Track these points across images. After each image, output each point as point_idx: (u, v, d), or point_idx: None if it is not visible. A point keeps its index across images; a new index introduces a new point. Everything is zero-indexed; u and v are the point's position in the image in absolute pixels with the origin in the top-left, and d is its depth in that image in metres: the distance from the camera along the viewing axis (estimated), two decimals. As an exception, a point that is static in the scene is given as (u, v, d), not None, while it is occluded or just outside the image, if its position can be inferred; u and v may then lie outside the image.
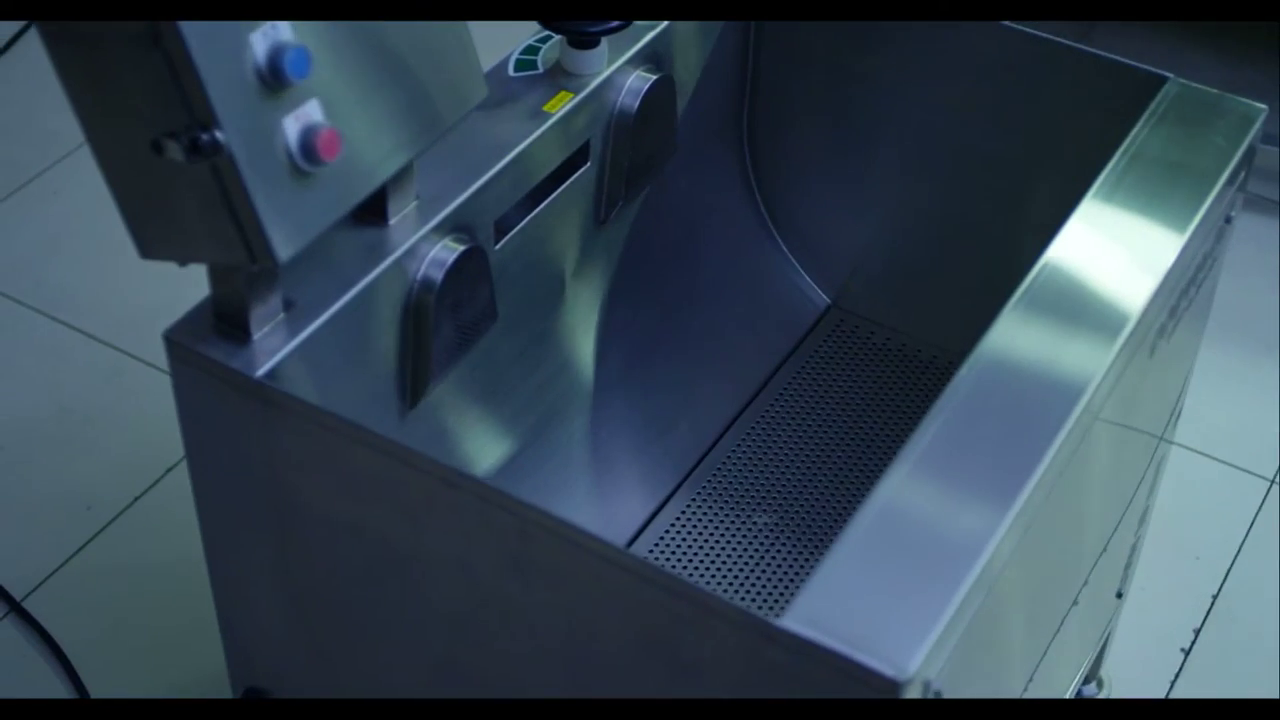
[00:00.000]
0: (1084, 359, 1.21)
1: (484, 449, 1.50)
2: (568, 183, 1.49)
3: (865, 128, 1.71)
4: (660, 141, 1.58)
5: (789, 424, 1.71)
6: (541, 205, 1.47)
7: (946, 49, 1.61)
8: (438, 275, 1.33)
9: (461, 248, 1.34)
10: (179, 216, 1.14)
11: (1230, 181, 1.41)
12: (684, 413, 1.68)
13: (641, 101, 1.51)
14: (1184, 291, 1.40)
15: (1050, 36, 1.54)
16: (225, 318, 1.21)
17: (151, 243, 1.17)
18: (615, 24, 1.46)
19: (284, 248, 1.13)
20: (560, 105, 1.44)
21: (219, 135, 1.08)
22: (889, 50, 1.64)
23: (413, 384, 1.37)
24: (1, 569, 1.89)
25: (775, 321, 1.80)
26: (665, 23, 1.54)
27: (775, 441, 1.69)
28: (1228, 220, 1.47)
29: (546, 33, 1.50)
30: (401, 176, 1.30)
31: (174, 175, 1.11)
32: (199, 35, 1.06)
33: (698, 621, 1.06)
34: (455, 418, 1.46)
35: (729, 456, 1.67)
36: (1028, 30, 1.55)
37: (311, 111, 1.14)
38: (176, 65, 1.06)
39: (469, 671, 1.25)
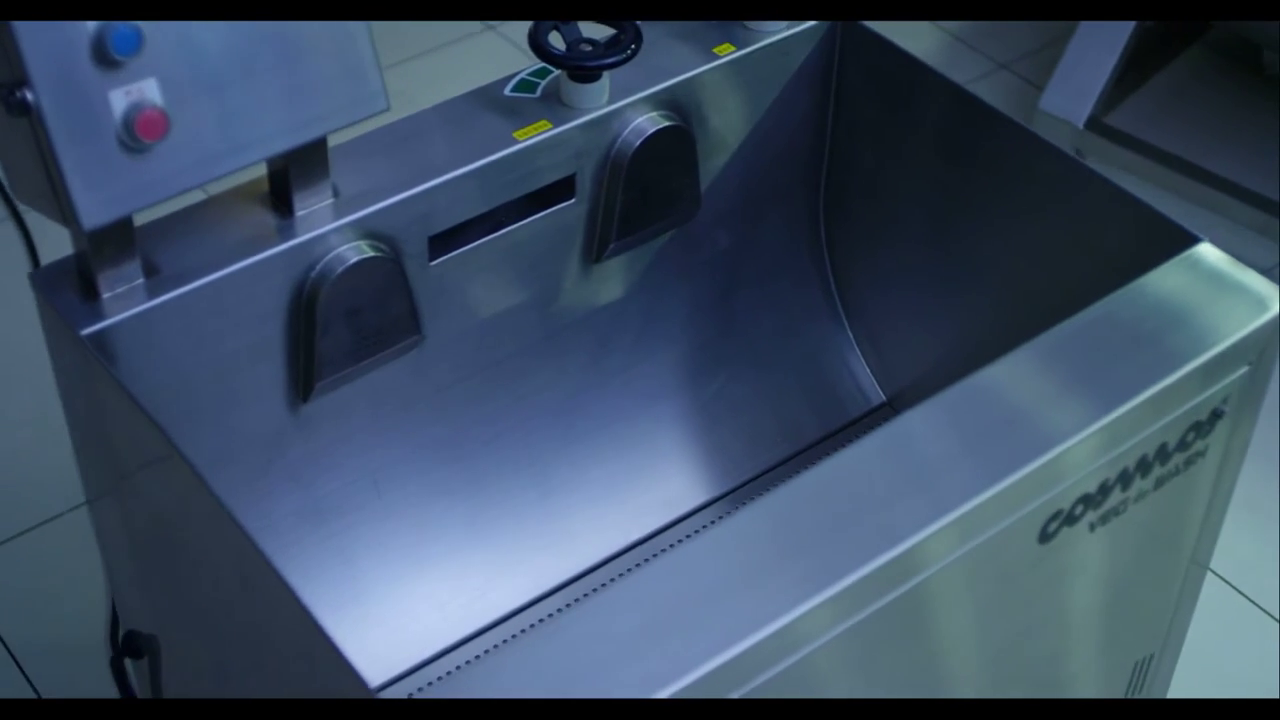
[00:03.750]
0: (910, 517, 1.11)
1: (385, 462, 1.49)
2: (539, 215, 1.46)
3: (950, 242, 1.59)
4: (671, 192, 1.52)
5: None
6: (499, 233, 1.44)
7: (1024, 177, 1.48)
8: (332, 274, 1.33)
9: (371, 254, 1.34)
10: (24, 168, 1.18)
11: (1218, 369, 1.25)
12: (656, 483, 1.62)
13: (643, 145, 1.46)
14: (1123, 477, 1.25)
15: (1120, 185, 1.39)
16: (80, 273, 1.25)
17: (15, 187, 1.23)
18: (611, 59, 1.41)
19: (91, 215, 1.16)
20: (532, 135, 1.41)
21: (27, 95, 1.11)
22: (975, 165, 1.53)
23: (304, 376, 1.38)
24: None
25: (821, 403, 1.71)
26: (688, 73, 1.48)
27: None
28: (1216, 414, 1.29)
29: (557, 58, 1.47)
30: (308, 171, 1.31)
31: (13, 129, 1.16)
32: (23, -3, 1.09)
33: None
34: (361, 422, 1.45)
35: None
36: (1106, 179, 1.41)
37: (146, 90, 1.16)
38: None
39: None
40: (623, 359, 1.61)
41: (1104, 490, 1.25)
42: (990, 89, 2.68)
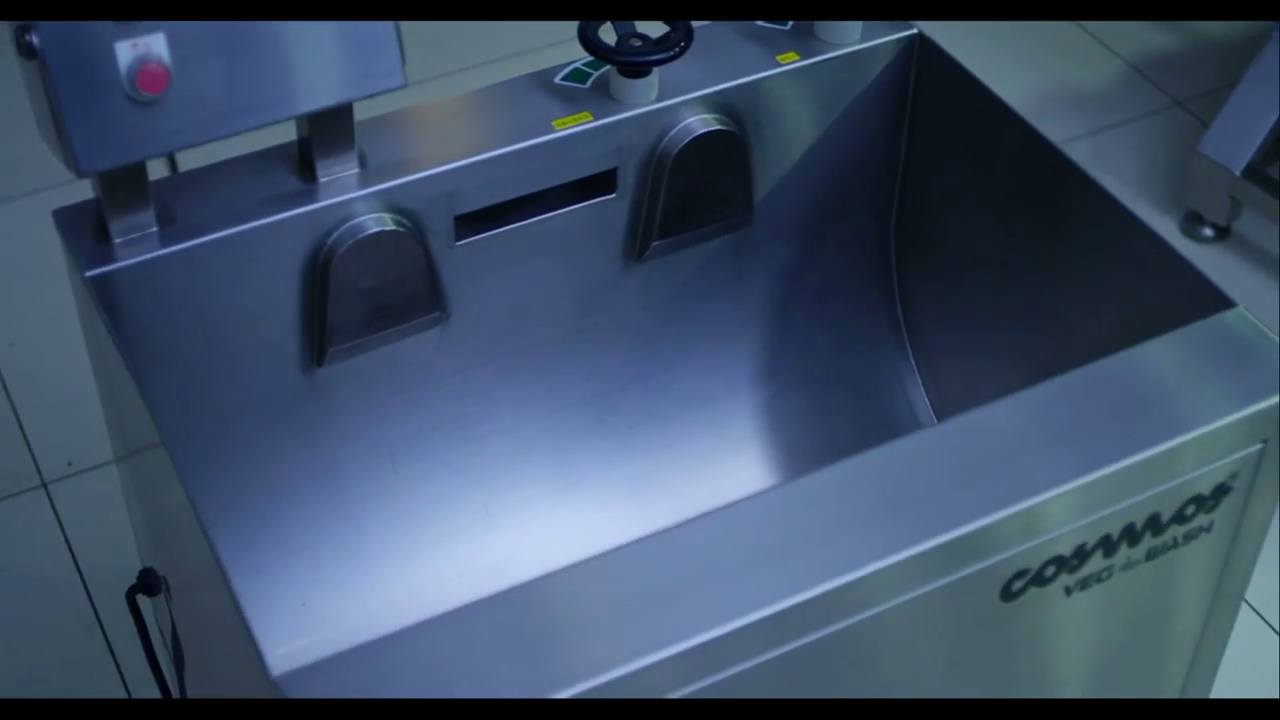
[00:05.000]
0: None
1: (403, 435, 1.50)
2: (577, 206, 1.45)
3: (1014, 279, 1.53)
4: (719, 197, 1.50)
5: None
6: (532, 220, 1.44)
7: (1086, 226, 1.42)
8: (346, 243, 1.34)
9: (390, 228, 1.35)
10: (39, 109, 1.22)
11: (1224, 442, 1.18)
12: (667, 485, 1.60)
13: (689, 145, 1.44)
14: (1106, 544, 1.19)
15: (1167, 241, 1.33)
16: (97, 217, 1.29)
17: (38, 127, 1.26)
18: (657, 56, 1.39)
19: (88, 161, 1.19)
20: (570, 125, 1.40)
21: (34, 39, 1.15)
22: (1039, 206, 1.47)
23: (318, 341, 1.39)
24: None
25: (870, 425, 1.67)
26: (746, 78, 1.45)
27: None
28: (1223, 489, 1.22)
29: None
30: (331, 139, 1.32)
31: (27, 70, 1.19)
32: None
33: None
34: (380, 393, 1.46)
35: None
36: (1155, 234, 1.34)
37: (153, 44, 1.18)
38: (19, -33, 1.14)
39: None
40: (665, 360, 1.60)
41: (1080, 554, 1.19)
42: (1161, 125, 2.57)
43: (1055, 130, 2.53)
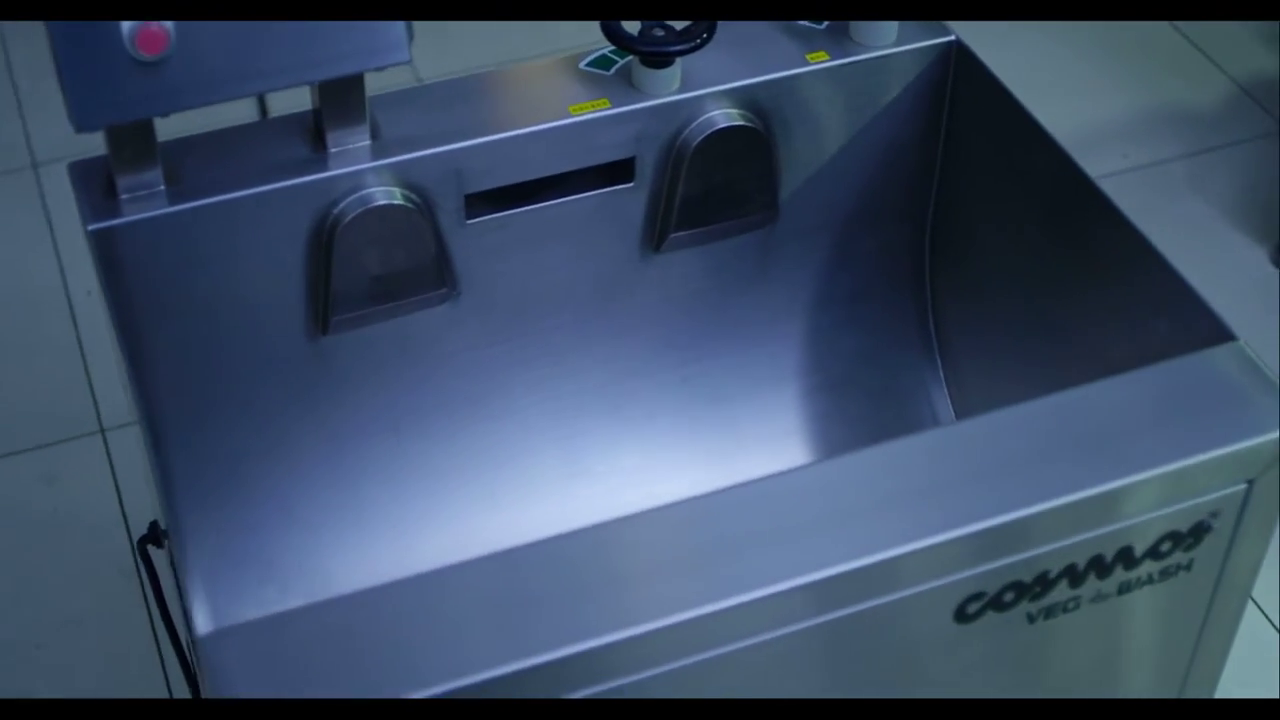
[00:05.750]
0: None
1: (409, 410, 1.50)
2: (594, 193, 1.45)
3: (1041, 300, 1.50)
4: (741, 193, 1.48)
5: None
6: (546, 203, 1.43)
7: (1109, 253, 1.39)
8: (350, 214, 1.35)
9: (396, 201, 1.36)
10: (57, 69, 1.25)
11: (1199, 480, 1.15)
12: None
13: (709, 138, 1.43)
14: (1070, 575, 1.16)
15: (1179, 272, 1.29)
16: (107, 173, 1.31)
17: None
18: (678, 47, 1.38)
19: (85, 118, 1.21)
20: (587, 111, 1.40)
21: (37, -5, 1.17)
22: (1069, 228, 1.43)
23: (322, 309, 1.41)
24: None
25: (894, 433, 1.64)
26: (771, 75, 1.44)
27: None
28: (1202, 528, 1.18)
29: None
30: (341, 110, 1.33)
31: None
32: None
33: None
34: (388, 368, 1.47)
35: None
36: (1169, 264, 1.30)
37: (156, 5, 1.20)
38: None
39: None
40: (684, 355, 1.59)
41: (1044, 582, 1.16)
42: (1264, 151, 2.50)
43: (1152, 149, 2.48)
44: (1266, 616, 1.88)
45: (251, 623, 1.03)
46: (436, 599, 1.07)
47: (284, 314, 1.41)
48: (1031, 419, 1.17)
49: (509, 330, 1.51)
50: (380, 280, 1.40)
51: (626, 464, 1.58)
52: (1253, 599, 1.80)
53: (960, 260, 1.59)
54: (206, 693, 1.01)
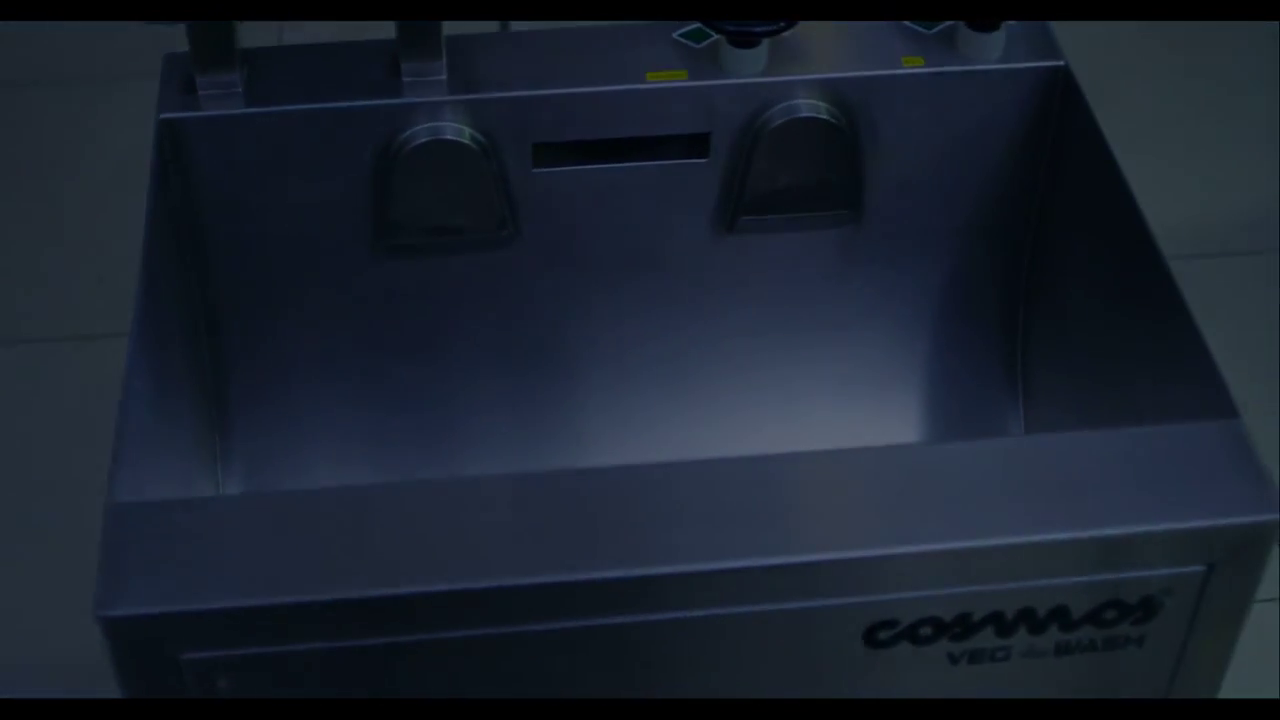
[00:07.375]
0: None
1: (441, 339, 1.53)
2: (666, 163, 1.45)
3: (1120, 353, 1.44)
4: (818, 185, 1.46)
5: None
6: (616, 165, 1.44)
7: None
8: (410, 145, 1.39)
9: (456, 139, 1.39)
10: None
11: (1144, 554, 1.09)
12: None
13: (787, 125, 1.41)
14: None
15: (1204, 341, 1.22)
16: (189, 70, 1.39)
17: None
18: (774, 25, 1.38)
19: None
20: (662, 80, 1.40)
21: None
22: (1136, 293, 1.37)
23: (376, 234, 1.45)
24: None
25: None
26: (857, 71, 1.41)
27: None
28: (1152, 603, 1.12)
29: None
30: (415, 44, 1.37)
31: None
32: None
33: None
34: (440, 301, 1.50)
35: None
36: (1197, 332, 1.23)
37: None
38: None
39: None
40: (749, 343, 1.57)
41: (965, 624, 1.12)
42: None
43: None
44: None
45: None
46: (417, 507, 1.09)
47: (337, 229, 1.45)
48: (985, 459, 1.13)
49: (568, 283, 1.52)
50: (438, 213, 1.44)
51: (675, 438, 1.58)
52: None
53: (1055, 302, 1.53)
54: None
